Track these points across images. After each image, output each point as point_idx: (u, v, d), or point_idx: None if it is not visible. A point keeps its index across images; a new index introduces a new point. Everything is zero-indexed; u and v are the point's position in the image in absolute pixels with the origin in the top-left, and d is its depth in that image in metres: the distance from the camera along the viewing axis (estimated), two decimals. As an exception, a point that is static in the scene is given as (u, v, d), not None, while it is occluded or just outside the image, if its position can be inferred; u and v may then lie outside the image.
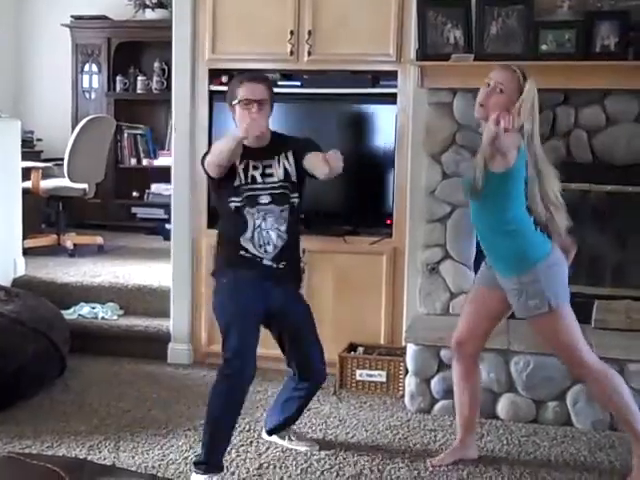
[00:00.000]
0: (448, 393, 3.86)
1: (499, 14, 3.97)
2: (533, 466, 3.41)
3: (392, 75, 4.35)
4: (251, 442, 3.58)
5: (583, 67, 3.88)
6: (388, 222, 4.40)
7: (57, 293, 4.99)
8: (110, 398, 4.06)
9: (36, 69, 7.51)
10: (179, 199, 4.66)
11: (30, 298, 4.48)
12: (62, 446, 3.48)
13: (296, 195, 3.30)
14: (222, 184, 3.27)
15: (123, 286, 5.09)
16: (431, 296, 4.26)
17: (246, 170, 3.25)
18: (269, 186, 3.26)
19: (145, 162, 7.35)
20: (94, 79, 7.31)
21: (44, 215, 6.75)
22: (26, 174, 5.74)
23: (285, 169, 3.29)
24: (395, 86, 4.34)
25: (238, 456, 3.41)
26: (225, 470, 3.23)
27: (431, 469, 3.35)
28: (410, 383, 3.99)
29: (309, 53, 4.38)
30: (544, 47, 3.92)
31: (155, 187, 7.15)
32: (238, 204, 3.25)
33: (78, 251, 6.06)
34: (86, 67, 7.30)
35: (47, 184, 6.16)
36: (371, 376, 4.21)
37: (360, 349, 4.36)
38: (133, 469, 3.24)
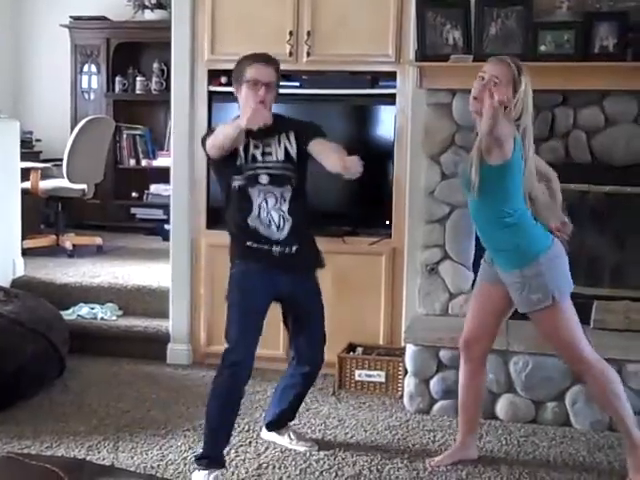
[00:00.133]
0: (447, 393, 3.87)
1: (498, 15, 3.97)
2: (532, 466, 3.41)
3: (391, 76, 4.35)
4: (250, 442, 3.58)
5: (582, 68, 3.89)
6: (387, 223, 4.40)
7: (56, 294, 4.99)
8: (109, 398, 4.06)
9: (35, 70, 7.51)
10: (178, 200, 4.66)
11: (29, 299, 4.48)
12: (61, 446, 3.49)
13: (297, 176, 3.28)
14: (226, 163, 3.26)
15: (122, 287, 5.09)
16: (430, 296, 4.27)
17: (247, 149, 3.25)
18: (268, 165, 3.25)
19: (144, 163, 7.35)
20: (93, 80, 7.31)
21: (43, 216, 6.75)
22: (25, 174, 5.74)
23: (286, 149, 3.27)
24: (394, 87, 4.35)
25: (237, 456, 3.42)
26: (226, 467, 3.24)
27: (430, 469, 3.35)
28: (409, 383, 3.99)
29: (308, 54, 4.39)
30: (543, 48, 3.93)
31: (154, 188, 7.15)
32: (241, 183, 3.24)
33: (77, 252, 6.07)
34: (85, 68, 7.30)
35: (46, 185, 6.16)
36: (370, 376, 4.22)
37: (359, 349, 4.36)
38: (132, 469, 3.24)
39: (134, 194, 7.28)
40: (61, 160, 6.19)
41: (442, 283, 4.25)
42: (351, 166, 2.95)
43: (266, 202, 3.24)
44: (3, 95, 7.17)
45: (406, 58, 4.25)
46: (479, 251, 3.55)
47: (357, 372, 4.23)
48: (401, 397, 4.09)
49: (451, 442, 3.59)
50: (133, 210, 7.27)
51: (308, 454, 3.47)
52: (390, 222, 4.40)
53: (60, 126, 7.13)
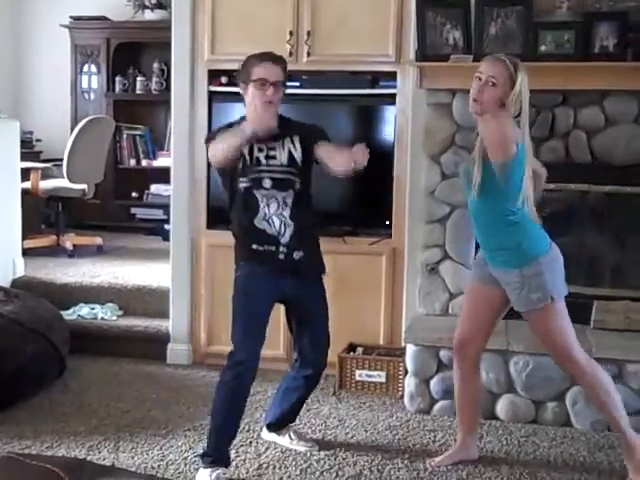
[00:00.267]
0: (447, 393, 3.86)
1: (498, 15, 3.97)
2: (532, 466, 3.41)
3: (391, 76, 4.35)
4: (250, 442, 3.58)
5: (582, 68, 3.89)
6: (387, 223, 4.40)
7: (56, 294, 4.99)
8: (109, 398, 4.06)
9: (35, 70, 7.51)
10: (178, 200, 4.66)
11: (29, 299, 4.48)
12: (62, 446, 3.49)
13: (300, 180, 3.27)
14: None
15: (122, 287, 5.09)
16: (430, 296, 4.27)
17: (251, 152, 3.23)
18: (272, 169, 3.23)
19: (144, 163, 7.35)
20: (93, 80, 7.31)
21: (43, 216, 6.75)
22: (25, 175, 5.74)
23: (290, 153, 3.25)
24: (394, 87, 4.35)
25: (238, 456, 3.41)
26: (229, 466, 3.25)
27: (430, 469, 3.35)
28: (409, 383, 3.99)
29: (308, 54, 4.39)
30: (543, 48, 3.93)
31: (154, 188, 7.15)
32: (247, 184, 3.23)
33: (77, 252, 6.07)
34: (85, 68, 7.30)
35: (46, 185, 6.16)
36: (370, 376, 4.22)
37: (359, 349, 4.36)
38: (133, 469, 3.24)
39: (134, 194, 7.28)
40: (61, 160, 6.19)
41: (442, 283, 4.25)
42: (359, 157, 2.96)
43: (268, 207, 3.22)
44: (3, 95, 7.17)
45: (406, 58, 4.25)
46: (479, 251, 3.54)
47: (357, 372, 4.23)
48: (401, 397, 4.09)
49: (451, 442, 3.59)
50: (133, 210, 7.27)
51: (309, 454, 3.47)
52: (390, 222, 4.39)
53: (60, 126, 7.13)
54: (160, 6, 7.04)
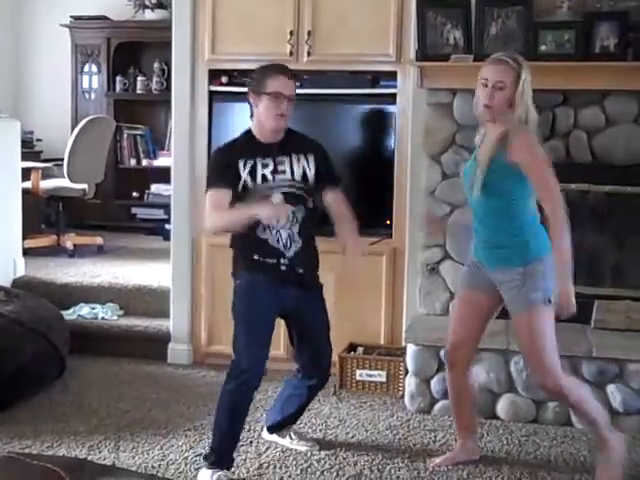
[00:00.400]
0: (448, 393, 3.86)
1: (499, 15, 3.97)
2: (533, 466, 3.41)
3: (392, 75, 4.35)
4: (251, 442, 3.58)
5: (582, 68, 3.89)
6: (388, 222, 4.40)
7: (57, 294, 4.99)
8: (110, 398, 4.06)
9: (35, 69, 7.51)
10: (179, 199, 4.66)
11: (30, 299, 4.48)
12: (62, 446, 3.49)
13: (311, 198, 3.24)
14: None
15: (123, 286, 5.09)
16: (431, 296, 4.27)
17: (253, 171, 3.16)
18: (282, 184, 3.19)
19: (145, 162, 7.35)
20: (94, 79, 7.31)
21: (44, 215, 6.76)
22: (26, 174, 5.74)
23: (304, 171, 3.22)
24: (395, 86, 4.35)
25: (238, 456, 3.41)
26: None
27: (431, 469, 3.35)
28: (410, 383, 3.99)
29: (309, 53, 4.39)
30: (543, 48, 3.93)
31: (155, 187, 7.15)
32: (251, 201, 3.13)
33: (78, 251, 6.06)
34: (86, 67, 7.30)
35: (47, 184, 6.16)
36: (371, 376, 4.22)
37: (360, 349, 4.36)
38: (133, 469, 3.24)
39: (135, 194, 7.28)
40: (62, 160, 6.18)
41: (443, 283, 4.25)
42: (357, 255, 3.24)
43: (277, 220, 3.11)
44: (3, 95, 7.17)
45: (407, 58, 4.25)
46: (471, 255, 3.53)
47: (358, 372, 4.23)
48: (402, 397, 4.09)
49: (452, 442, 3.59)
50: (134, 210, 7.26)
51: (309, 454, 3.47)
52: (391, 222, 4.39)
53: (61, 126, 7.13)
54: (160, 6, 7.05)
